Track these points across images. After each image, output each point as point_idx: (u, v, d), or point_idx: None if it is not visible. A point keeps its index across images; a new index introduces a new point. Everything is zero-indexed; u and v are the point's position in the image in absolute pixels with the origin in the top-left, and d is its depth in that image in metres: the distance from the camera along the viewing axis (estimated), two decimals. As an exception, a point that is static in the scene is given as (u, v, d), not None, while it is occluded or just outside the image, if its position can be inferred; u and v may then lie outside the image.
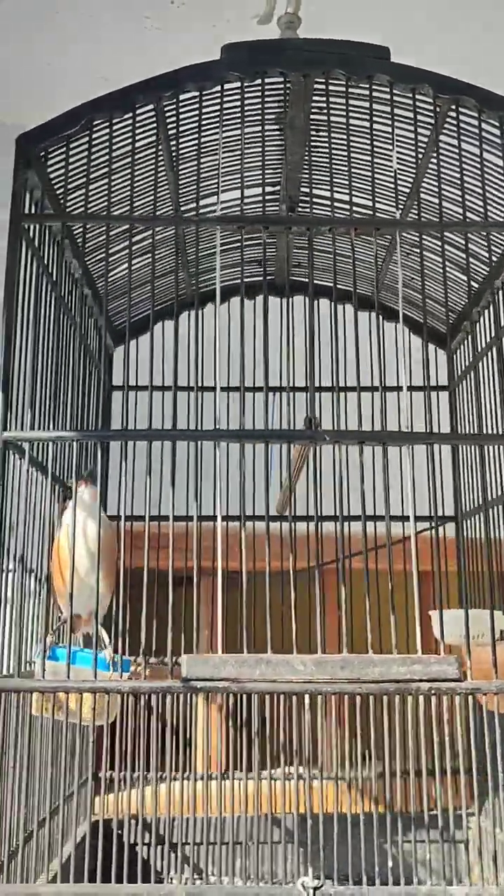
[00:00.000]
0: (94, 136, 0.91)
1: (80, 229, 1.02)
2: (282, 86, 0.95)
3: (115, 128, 0.92)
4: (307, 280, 1.32)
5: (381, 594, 0.87)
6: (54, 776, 0.96)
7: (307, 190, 1.17)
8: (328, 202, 1.10)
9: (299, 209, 1.21)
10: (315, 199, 1.13)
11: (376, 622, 0.85)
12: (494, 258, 1.06)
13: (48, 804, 1.01)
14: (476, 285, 1.22)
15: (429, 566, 1.01)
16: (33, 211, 0.92)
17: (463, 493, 1.37)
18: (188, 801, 1.30)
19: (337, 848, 1.26)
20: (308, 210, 1.19)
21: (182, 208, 1.07)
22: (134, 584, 0.91)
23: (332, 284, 1.29)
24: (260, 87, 0.94)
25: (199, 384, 0.88)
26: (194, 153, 0.97)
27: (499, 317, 0.96)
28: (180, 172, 1.02)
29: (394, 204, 1.08)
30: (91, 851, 0.98)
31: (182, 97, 0.93)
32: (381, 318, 1.36)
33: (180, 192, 1.05)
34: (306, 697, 0.79)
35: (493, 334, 1.16)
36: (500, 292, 1.06)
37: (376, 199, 1.01)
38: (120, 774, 1.27)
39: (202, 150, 0.97)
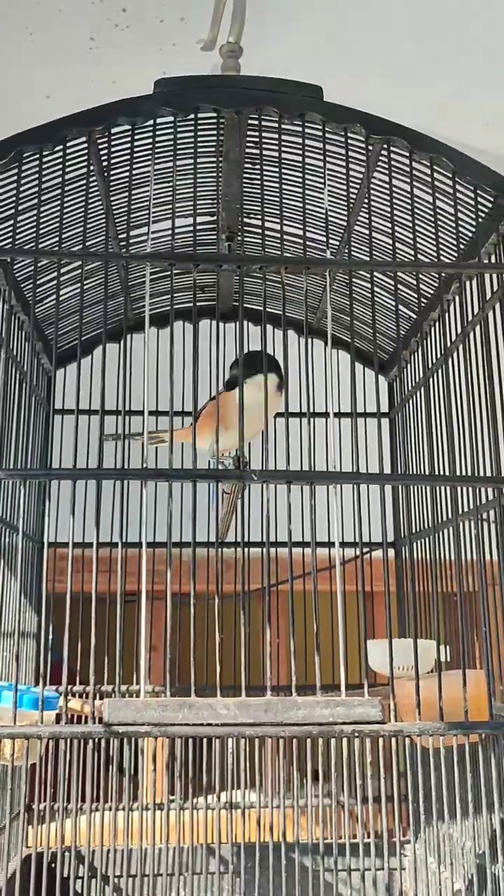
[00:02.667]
0: (24, 166, 0.90)
1: (13, 261, 1.01)
2: (215, 120, 0.95)
3: (46, 159, 0.91)
4: (250, 307, 1.33)
5: (317, 622, 0.87)
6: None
7: (248, 222, 1.18)
8: (269, 236, 1.11)
9: (239, 239, 1.21)
10: (251, 234, 1.13)
11: (312, 653, 0.85)
12: (424, 299, 1.07)
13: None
14: (413, 315, 1.24)
15: (373, 589, 1.01)
16: (-41, 242, 0.91)
17: (402, 521, 1.38)
18: (124, 831, 1.28)
19: (273, 877, 1.26)
20: (250, 242, 1.20)
21: (118, 238, 1.07)
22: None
23: (276, 312, 1.30)
24: (193, 122, 0.94)
25: (127, 408, 0.87)
26: (126, 187, 0.96)
27: (426, 356, 0.97)
28: (114, 205, 1.01)
29: (332, 240, 1.08)
30: (22, 886, 0.96)
31: (114, 130, 0.93)
32: (317, 344, 1.39)
33: (116, 224, 1.04)
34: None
35: (426, 368, 1.18)
36: (433, 329, 1.07)
37: (311, 235, 1.01)
38: (54, 805, 1.26)
39: (135, 183, 0.97)
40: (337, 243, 1.10)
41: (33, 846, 1.25)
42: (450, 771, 1.05)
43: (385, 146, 0.93)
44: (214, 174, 1.08)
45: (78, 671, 1.24)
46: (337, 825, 1.35)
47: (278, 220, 0.98)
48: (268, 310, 1.36)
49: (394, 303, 1.24)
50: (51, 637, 0.85)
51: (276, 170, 0.98)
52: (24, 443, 1.22)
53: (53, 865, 1.30)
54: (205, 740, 1.33)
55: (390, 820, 1.36)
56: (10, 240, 0.89)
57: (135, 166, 0.96)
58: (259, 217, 1.12)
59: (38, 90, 1.63)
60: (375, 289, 1.23)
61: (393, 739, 1.33)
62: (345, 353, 1.29)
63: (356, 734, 0.76)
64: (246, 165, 1.05)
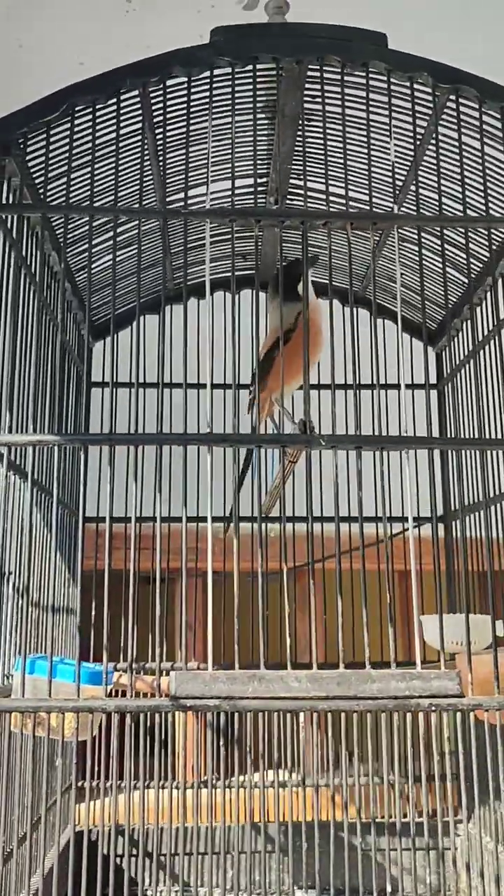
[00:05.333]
0: (77, 122, 0.86)
1: (61, 220, 0.97)
2: (274, 72, 0.91)
3: (98, 114, 0.87)
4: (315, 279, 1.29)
5: (372, 597, 0.84)
6: (34, 792, 0.92)
7: (297, 182, 1.13)
8: (319, 195, 1.06)
9: (287, 202, 1.17)
10: (307, 192, 1.09)
11: (370, 629, 0.82)
12: (480, 264, 1.02)
13: (28, 820, 0.97)
14: (467, 281, 1.19)
15: (423, 567, 0.97)
16: (11, 201, 0.87)
17: (452, 494, 1.35)
18: (172, 810, 1.26)
19: (322, 857, 1.24)
20: (298, 203, 1.15)
21: (168, 199, 1.03)
22: (115, 587, 0.87)
23: (321, 280, 1.26)
24: (251, 74, 0.90)
25: (187, 381, 0.83)
26: (181, 142, 0.93)
27: (498, 311, 0.93)
28: (167, 162, 0.97)
29: (388, 198, 1.04)
30: (72, 866, 0.94)
31: (169, 83, 0.89)
32: (368, 314, 1.34)
33: (167, 182, 1.00)
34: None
35: (486, 332, 1.14)
36: (497, 286, 1.02)
37: (371, 192, 0.97)
38: (103, 784, 1.24)
39: (190, 140, 0.93)
40: (398, 199, 1.05)
41: (84, 824, 1.23)
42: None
43: (453, 96, 0.88)
44: (267, 134, 1.04)
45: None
46: (387, 804, 1.32)
47: (336, 177, 0.93)
48: (320, 279, 1.33)
49: (449, 267, 1.20)
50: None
51: (337, 125, 0.94)
52: (64, 415, 1.20)
53: (102, 844, 1.28)
54: (248, 719, 1.30)
55: (442, 799, 1.33)
56: (65, 198, 0.86)
57: (190, 123, 0.92)
58: (315, 177, 1.08)
59: (72, 56, 1.58)
60: (427, 255, 1.20)
61: (441, 718, 1.30)
62: (391, 323, 1.26)
63: (433, 708, 0.73)
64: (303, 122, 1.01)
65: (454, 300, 1.29)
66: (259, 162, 1.08)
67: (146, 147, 0.91)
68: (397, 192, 1.02)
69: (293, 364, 0.89)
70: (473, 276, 1.15)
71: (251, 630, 0.84)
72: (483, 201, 0.90)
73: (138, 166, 0.90)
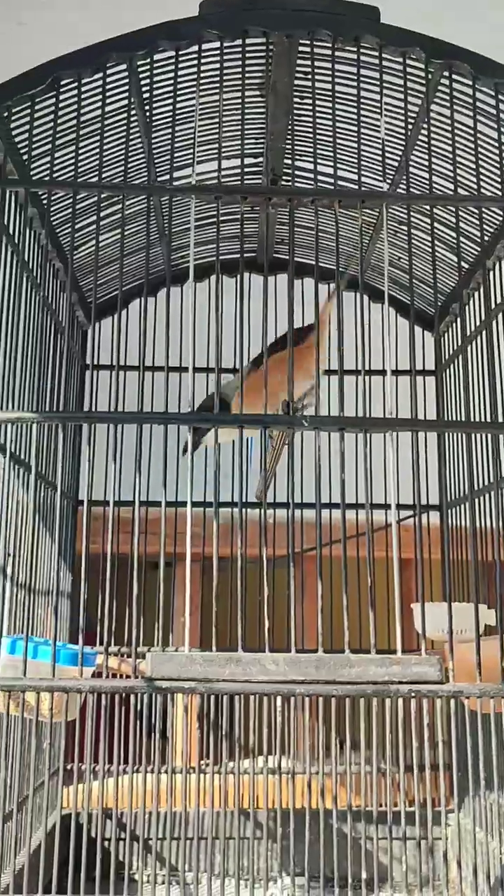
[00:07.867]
0: (62, 96, 0.85)
1: (50, 197, 0.96)
2: (264, 47, 0.89)
3: (84, 89, 0.86)
4: (299, 261, 1.27)
5: (362, 585, 0.83)
6: (20, 771, 0.92)
7: (295, 160, 1.12)
8: (311, 174, 1.05)
9: (283, 182, 1.15)
10: (298, 172, 1.08)
11: (355, 616, 0.81)
12: (486, 236, 1.00)
13: (13, 800, 0.97)
14: (466, 265, 1.17)
15: (412, 554, 0.96)
16: (-4, 176, 0.86)
17: (448, 480, 1.33)
18: (160, 794, 1.26)
19: (312, 845, 1.23)
20: (299, 182, 1.14)
21: (158, 178, 1.01)
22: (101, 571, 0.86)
23: (315, 263, 1.25)
24: (241, 48, 0.88)
25: (169, 364, 0.82)
26: (170, 118, 0.91)
27: (489, 299, 0.91)
28: (155, 139, 0.96)
29: (381, 177, 1.02)
30: (58, 848, 0.94)
31: (157, 57, 0.87)
32: (367, 298, 1.32)
33: (155, 160, 0.99)
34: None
35: (482, 317, 1.12)
36: (492, 273, 1.00)
37: (363, 172, 0.95)
38: (90, 767, 1.23)
39: (178, 116, 0.91)
40: (392, 178, 1.03)
41: (70, 807, 1.23)
42: (499, 737, 1.01)
43: (446, 72, 0.86)
44: (260, 111, 1.02)
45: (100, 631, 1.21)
46: (378, 793, 1.31)
47: (329, 156, 0.92)
48: (309, 261, 1.31)
49: (446, 249, 1.18)
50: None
51: (328, 102, 0.92)
52: (60, 397, 1.19)
53: (89, 827, 1.28)
54: (241, 703, 1.30)
55: (433, 788, 1.32)
56: (48, 174, 0.85)
57: (177, 98, 0.91)
58: (307, 156, 1.06)
59: (72, 33, 1.57)
60: (427, 237, 1.18)
61: (434, 706, 1.29)
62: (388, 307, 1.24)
63: (412, 694, 0.72)
64: (294, 100, 0.99)
65: (453, 284, 1.27)
66: (252, 141, 1.06)
67: (133, 123, 0.90)
68: (390, 171, 1.01)
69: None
70: (470, 259, 1.14)
71: (249, 615, 0.82)
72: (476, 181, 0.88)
73: (125, 143, 0.88)
